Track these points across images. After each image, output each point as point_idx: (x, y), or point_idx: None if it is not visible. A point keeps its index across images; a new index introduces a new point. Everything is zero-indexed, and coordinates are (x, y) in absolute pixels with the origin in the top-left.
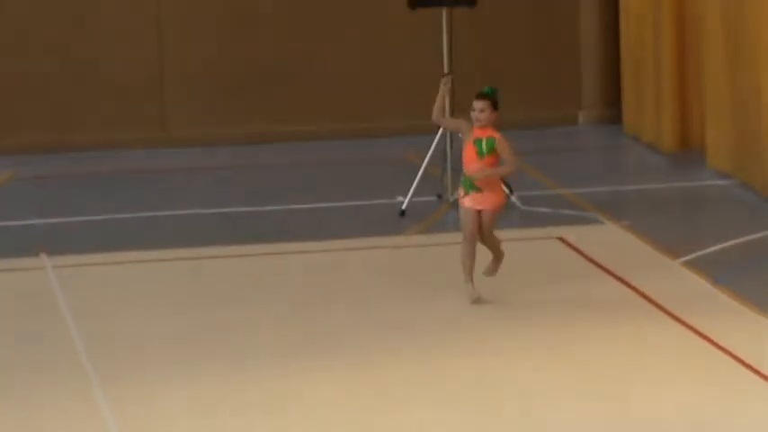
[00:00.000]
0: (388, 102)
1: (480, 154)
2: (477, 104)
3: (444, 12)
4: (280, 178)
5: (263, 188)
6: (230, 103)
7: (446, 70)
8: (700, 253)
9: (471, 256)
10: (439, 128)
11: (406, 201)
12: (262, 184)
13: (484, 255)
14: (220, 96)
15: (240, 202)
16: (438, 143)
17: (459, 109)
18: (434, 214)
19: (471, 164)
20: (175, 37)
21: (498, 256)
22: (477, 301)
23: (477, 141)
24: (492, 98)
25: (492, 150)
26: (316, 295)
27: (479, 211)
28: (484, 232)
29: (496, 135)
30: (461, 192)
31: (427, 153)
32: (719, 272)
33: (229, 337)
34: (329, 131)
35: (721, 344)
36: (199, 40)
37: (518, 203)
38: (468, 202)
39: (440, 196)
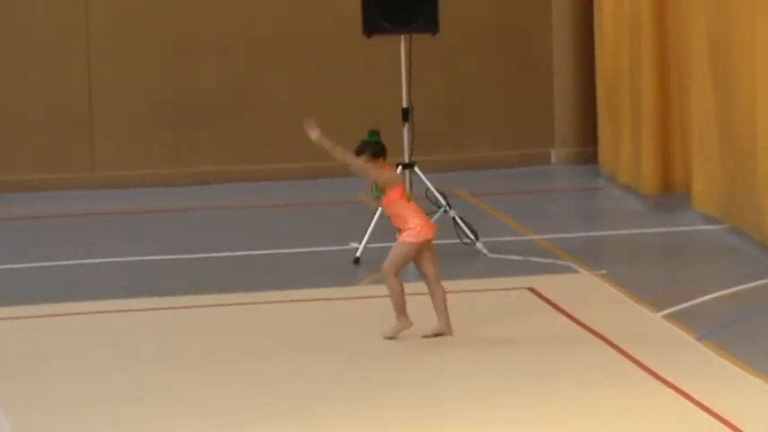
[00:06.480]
0: (344, 138)
1: (378, 196)
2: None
3: (403, 39)
4: (223, 222)
5: (205, 233)
6: (170, 140)
7: (404, 104)
8: (683, 305)
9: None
10: (397, 166)
11: (361, 247)
12: (203, 228)
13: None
14: (158, 133)
15: (179, 250)
16: None
17: (418, 148)
18: None
19: None
20: (107, 63)
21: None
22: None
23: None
24: (368, 150)
25: (382, 191)
26: (259, 352)
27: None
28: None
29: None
30: None
31: None
32: (704, 326)
33: (167, 396)
34: (278, 171)
35: (705, 403)
36: (134, 68)
37: (484, 251)
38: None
39: None
